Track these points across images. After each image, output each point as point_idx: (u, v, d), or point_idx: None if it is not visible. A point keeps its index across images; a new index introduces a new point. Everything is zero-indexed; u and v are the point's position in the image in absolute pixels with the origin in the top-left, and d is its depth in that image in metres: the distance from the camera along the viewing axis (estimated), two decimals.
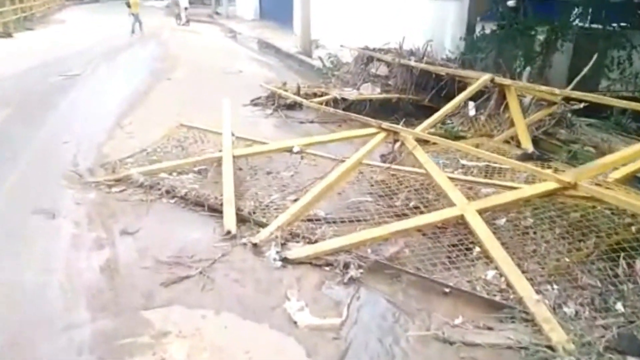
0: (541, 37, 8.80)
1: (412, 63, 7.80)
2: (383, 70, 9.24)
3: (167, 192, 5.08)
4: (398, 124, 7.46)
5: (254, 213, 4.63)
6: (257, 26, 21.34)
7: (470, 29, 9.97)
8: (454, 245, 4.05)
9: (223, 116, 6.45)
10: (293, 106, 8.68)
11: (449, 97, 7.53)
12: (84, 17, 22.08)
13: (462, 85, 7.31)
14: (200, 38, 18.77)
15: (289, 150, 5.51)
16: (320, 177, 5.06)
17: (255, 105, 8.91)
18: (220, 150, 5.74)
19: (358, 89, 8.63)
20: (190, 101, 8.91)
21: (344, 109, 7.82)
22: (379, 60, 8.86)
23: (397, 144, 5.59)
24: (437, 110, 7.96)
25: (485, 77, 6.81)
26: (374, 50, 9.33)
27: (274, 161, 5.70)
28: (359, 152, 5.17)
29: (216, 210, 4.75)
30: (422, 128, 5.93)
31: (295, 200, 4.78)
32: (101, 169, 5.70)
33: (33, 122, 7.53)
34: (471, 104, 7.05)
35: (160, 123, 7.55)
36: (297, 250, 4.04)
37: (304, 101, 7.87)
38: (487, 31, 9.75)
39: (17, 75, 11.14)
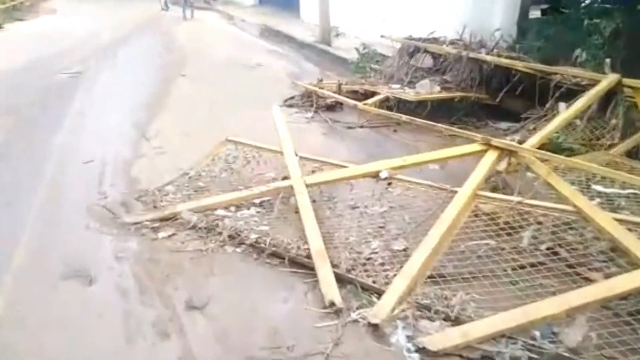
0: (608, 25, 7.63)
1: (485, 57, 6.57)
2: (428, 62, 8.05)
3: (231, 237, 3.89)
4: (461, 126, 6.40)
5: (354, 270, 3.46)
6: (259, 12, 19.83)
7: (523, 13, 8.76)
8: None
9: (277, 128, 5.24)
10: (333, 107, 7.46)
11: (527, 97, 6.40)
12: (74, 6, 20.43)
13: (544, 83, 6.14)
14: (203, 27, 17.31)
15: (375, 175, 4.32)
16: (426, 213, 3.89)
17: (290, 106, 7.66)
18: (285, 177, 4.54)
19: (408, 86, 7.42)
20: (216, 103, 7.63)
21: (397, 111, 6.64)
22: (429, 52, 7.65)
23: (502, 164, 4.43)
24: (507, 111, 6.90)
25: (611, 77, 5.62)
26: (420, 40, 8.10)
27: (354, 187, 4.48)
28: (472, 179, 4.01)
29: (300, 264, 3.58)
30: (535, 142, 4.73)
31: (404, 249, 3.61)
32: (138, 202, 4.47)
33: (42, 136, 6.23)
34: (562, 105, 5.89)
35: (190, 133, 6.33)
36: (438, 337, 2.88)
37: (358, 104, 6.64)
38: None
39: (14, 72, 9.72)
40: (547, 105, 6.02)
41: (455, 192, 3.97)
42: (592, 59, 7.35)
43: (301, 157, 4.79)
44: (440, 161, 4.61)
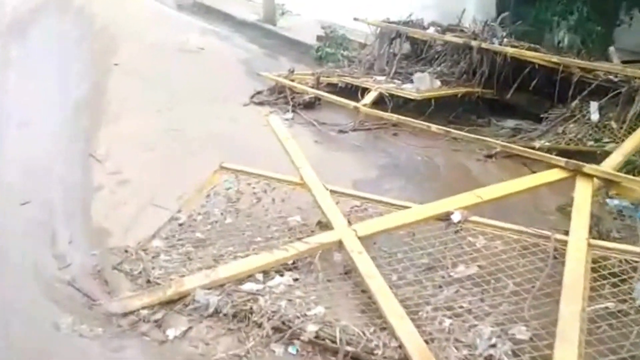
0: None
1: (504, 48, 5.56)
2: (405, 49, 7.03)
3: (277, 329, 2.68)
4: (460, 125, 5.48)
5: None
6: None
7: None
8: None
9: (286, 149, 4.00)
10: (312, 104, 6.25)
11: (533, 91, 5.54)
12: None
13: (564, 77, 5.29)
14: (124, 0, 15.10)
15: (445, 218, 3.24)
16: (537, 276, 2.87)
17: (260, 104, 6.34)
18: (320, 222, 3.36)
19: (397, 77, 6.36)
20: (168, 102, 6.15)
21: (392, 110, 5.58)
22: (419, 39, 6.61)
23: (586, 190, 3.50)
24: (511, 107, 6.02)
25: None
26: (399, 24, 7.01)
27: (416, 235, 3.35)
28: (578, 222, 3.04)
29: None
30: (617, 164, 3.82)
31: (531, 339, 2.58)
32: (119, 273, 3.10)
33: None
34: (594, 105, 5.08)
35: (152, 146, 4.92)
36: None
37: (359, 105, 5.51)
38: None
39: None
40: (573, 104, 5.18)
41: (564, 241, 2.98)
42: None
43: (331, 191, 3.58)
44: (522, 193, 3.59)
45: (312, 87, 6.36)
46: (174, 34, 10.26)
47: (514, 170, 4.60)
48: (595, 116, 5.03)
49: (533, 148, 4.56)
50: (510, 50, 5.40)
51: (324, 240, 3.12)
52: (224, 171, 3.90)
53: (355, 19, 7.38)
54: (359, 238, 3.09)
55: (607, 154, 4.22)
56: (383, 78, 6.50)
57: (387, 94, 5.78)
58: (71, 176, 4.35)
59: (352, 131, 5.66)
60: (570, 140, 4.92)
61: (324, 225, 3.34)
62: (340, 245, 3.09)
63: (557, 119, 5.27)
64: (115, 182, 4.26)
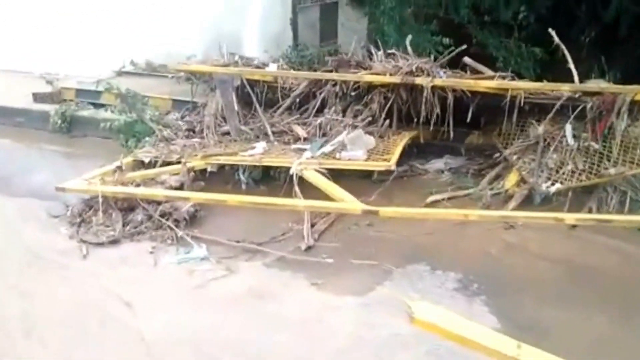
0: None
1: (455, 81, 4.04)
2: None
3: None
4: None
5: None
6: None
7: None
8: None
9: None
10: (194, 217, 3.65)
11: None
12: None
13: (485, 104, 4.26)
14: None
15: None
16: None
17: (82, 242, 3.36)
18: None
19: (281, 139, 4.26)
20: None
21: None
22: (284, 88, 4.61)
23: None
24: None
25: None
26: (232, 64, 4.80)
27: None
28: None
29: None
30: None
31: None
32: None
33: None
34: (569, 128, 4.14)
35: None
36: None
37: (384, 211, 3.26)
38: None
39: None
40: (540, 131, 4.16)
41: None
42: None
43: None
44: None
45: (176, 186, 3.70)
46: None
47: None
48: (571, 140, 4.16)
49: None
50: (469, 84, 4.00)
51: None
52: None
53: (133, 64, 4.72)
54: None
55: None
56: (263, 145, 4.27)
57: (323, 170, 3.69)
58: None
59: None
60: (581, 173, 3.91)
61: None
62: None
63: (519, 150, 4.21)
64: None
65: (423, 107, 4.06)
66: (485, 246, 3.38)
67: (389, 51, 4.60)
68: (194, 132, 4.69)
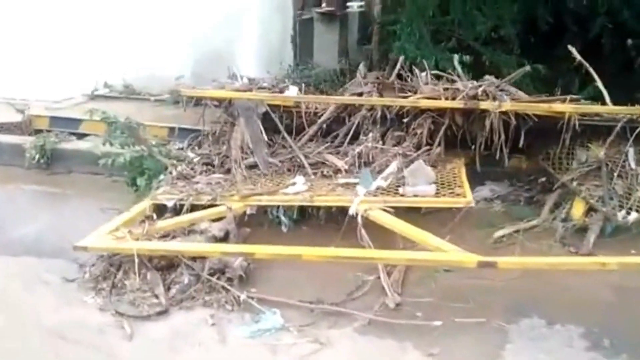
0: None
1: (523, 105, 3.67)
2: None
3: None
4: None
5: None
6: None
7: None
8: None
9: None
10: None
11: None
12: None
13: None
14: None
15: None
16: None
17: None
18: None
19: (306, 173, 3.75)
20: None
21: None
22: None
23: None
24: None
25: None
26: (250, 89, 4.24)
27: None
28: None
29: None
30: None
31: None
32: None
33: None
34: (631, 151, 3.88)
35: None
36: None
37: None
38: None
39: None
40: (602, 154, 3.86)
41: None
42: None
43: None
44: None
45: (220, 237, 3.09)
46: None
47: None
48: (634, 164, 3.90)
49: None
50: (543, 108, 3.65)
51: None
52: None
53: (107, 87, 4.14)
54: None
55: None
56: (302, 180, 3.74)
57: (390, 209, 3.20)
58: None
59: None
60: None
61: None
62: None
63: (580, 176, 3.90)
64: None
65: (483, 132, 3.68)
66: (591, 290, 3.00)
67: (433, 72, 4.20)
68: (212, 165, 4.09)
